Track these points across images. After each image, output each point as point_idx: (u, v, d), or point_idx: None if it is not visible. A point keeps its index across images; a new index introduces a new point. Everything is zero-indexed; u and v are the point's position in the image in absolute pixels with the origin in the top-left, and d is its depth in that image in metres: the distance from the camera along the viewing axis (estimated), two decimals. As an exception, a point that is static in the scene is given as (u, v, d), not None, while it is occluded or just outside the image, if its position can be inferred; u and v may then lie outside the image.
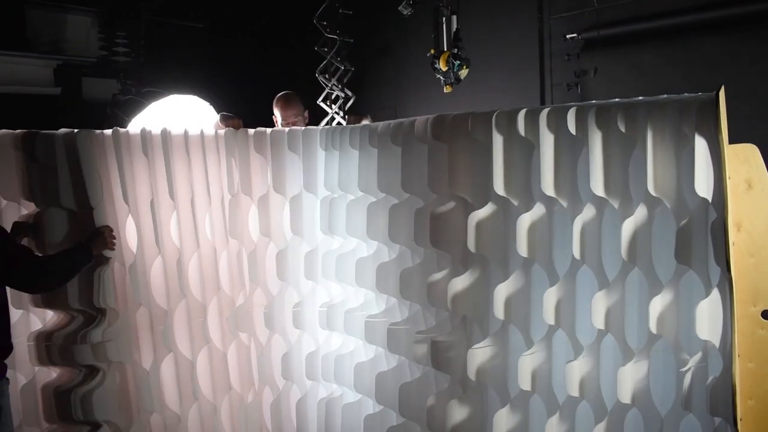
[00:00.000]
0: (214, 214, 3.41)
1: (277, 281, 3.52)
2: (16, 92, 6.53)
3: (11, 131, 3.14)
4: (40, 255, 3.04)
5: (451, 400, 2.77)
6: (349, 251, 3.36)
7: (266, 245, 3.52)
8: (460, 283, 2.72)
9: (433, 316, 2.98)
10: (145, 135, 3.24)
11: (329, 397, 3.57)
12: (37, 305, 3.17)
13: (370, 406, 3.34)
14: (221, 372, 3.46)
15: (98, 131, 3.19)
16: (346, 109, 6.72)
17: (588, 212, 2.44)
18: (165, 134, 3.28)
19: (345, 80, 6.73)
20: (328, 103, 6.80)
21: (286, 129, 3.52)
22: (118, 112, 5.98)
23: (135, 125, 5.36)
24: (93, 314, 3.12)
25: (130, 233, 3.24)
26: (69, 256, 2.98)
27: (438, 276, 2.82)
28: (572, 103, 2.52)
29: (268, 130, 3.53)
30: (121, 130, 3.24)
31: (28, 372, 3.29)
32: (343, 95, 6.74)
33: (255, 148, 3.47)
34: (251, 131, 3.51)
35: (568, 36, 5.53)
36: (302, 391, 3.64)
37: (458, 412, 2.77)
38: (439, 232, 2.79)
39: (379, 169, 3.11)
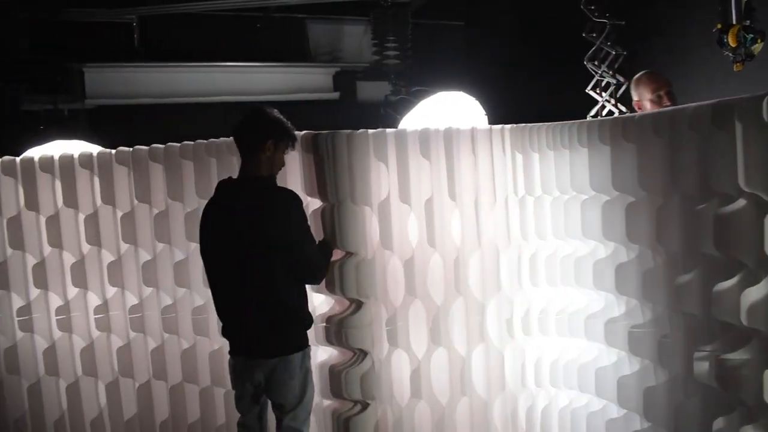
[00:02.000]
0: (498, 214, 3.47)
1: (531, 286, 3.52)
2: (301, 99, 7.20)
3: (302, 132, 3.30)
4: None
5: (744, 426, 2.44)
6: (587, 254, 3.24)
7: (538, 248, 3.51)
8: (756, 293, 2.35)
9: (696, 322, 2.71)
10: (426, 134, 3.36)
11: (571, 405, 3.46)
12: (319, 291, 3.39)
13: (614, 411, 3.21)
14: (497, 371, 3.52)
15: (377, 130, 3.35)
16: (618, 96, 6.35)
17: None
18: (449, 133, 3.39)
19: (616, 65, 6.37)
20: (598, 91, 6.49)
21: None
22: (390, 112, 6.28)
23: (407, 123, 5.60)
24: (372, 304, 3.30)
25: (410, 230, 3.37)
26: (327, 254, 3.18)
27: (727, 285, 2.46)
28: None
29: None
30: (401, 129, 3.38)
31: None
32: (614, 82, 6.38)
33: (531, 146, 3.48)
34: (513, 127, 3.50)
35: None
36: (548, 398, 3.59)
37: (753, 440, 2.43)
38: (727, 235, 2.44)
39: (640, 164, 2.89)
